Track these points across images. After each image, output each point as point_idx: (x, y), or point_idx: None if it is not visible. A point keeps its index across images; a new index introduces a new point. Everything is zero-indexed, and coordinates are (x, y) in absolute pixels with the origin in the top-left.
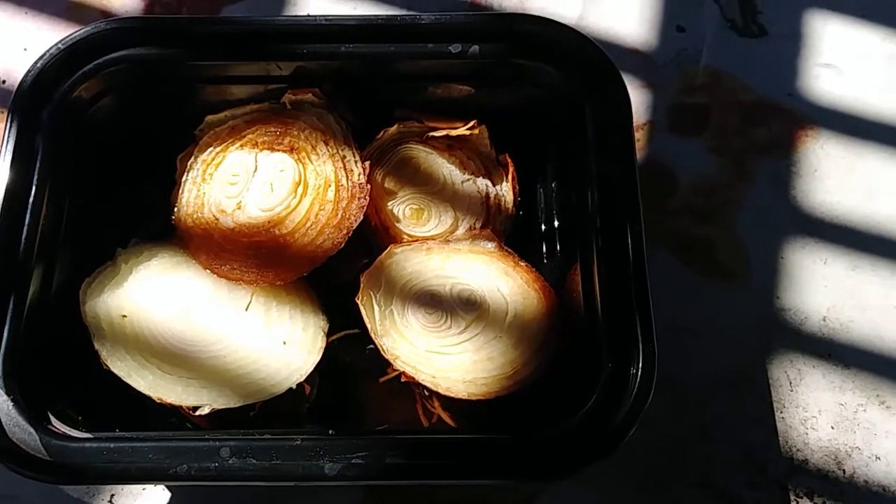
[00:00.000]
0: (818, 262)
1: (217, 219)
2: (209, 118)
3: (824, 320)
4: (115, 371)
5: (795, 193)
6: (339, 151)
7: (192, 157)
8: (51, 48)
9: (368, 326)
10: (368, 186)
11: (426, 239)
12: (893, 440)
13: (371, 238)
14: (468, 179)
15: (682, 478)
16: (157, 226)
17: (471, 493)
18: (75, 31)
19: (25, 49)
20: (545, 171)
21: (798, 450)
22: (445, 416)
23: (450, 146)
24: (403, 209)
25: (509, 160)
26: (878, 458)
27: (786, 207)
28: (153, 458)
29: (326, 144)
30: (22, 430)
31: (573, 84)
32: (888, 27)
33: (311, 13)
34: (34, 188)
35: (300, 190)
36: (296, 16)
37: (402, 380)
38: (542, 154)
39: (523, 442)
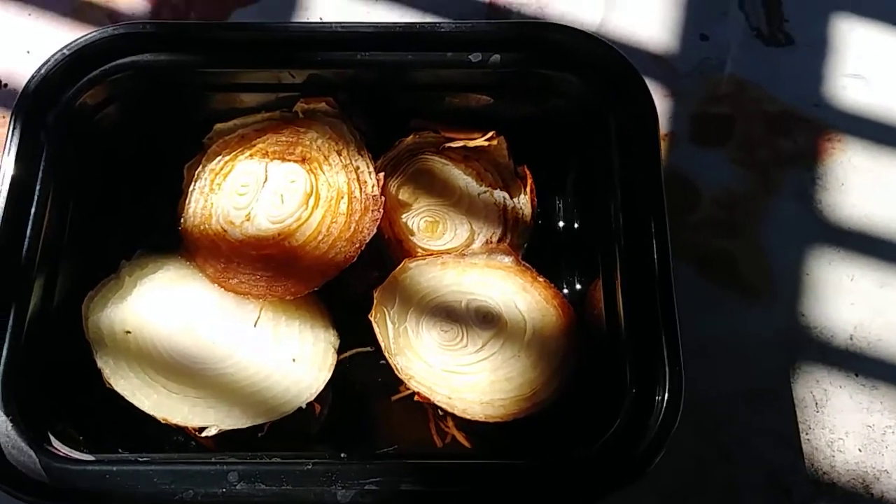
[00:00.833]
0: (845, 277)
1: (225, 230)
2: (218, 126)
3: (851, 339)
4: (118, 390)
5: (821, 207)
6: (353, 162)
7: (200, 166)
8: (56, 53)
9: (382, 345)
10: (382, 198)
11: (441, 253)
12: None
13: (384, 252)
14: (485, 191)
15: (702, 500)
16: (162, 237)
17: None
18: (81, 36)
19: (28, 52)
20: (564, 182)
21: (825, 473)
22: (460, 437)
23: (466, 157)
24: (418, 222)
25: (528, 172)
26: None
27: (811, 221)
28: (158, 482)
29: (339, 155)
30: (21, 453)
31: (596, 93)
32: None
33: (323, 17)
34: (36, 197)
35: (312, 201)
36: (309, 22)
37: (416, 399)
38: (561, 165)
39: (543, 468)
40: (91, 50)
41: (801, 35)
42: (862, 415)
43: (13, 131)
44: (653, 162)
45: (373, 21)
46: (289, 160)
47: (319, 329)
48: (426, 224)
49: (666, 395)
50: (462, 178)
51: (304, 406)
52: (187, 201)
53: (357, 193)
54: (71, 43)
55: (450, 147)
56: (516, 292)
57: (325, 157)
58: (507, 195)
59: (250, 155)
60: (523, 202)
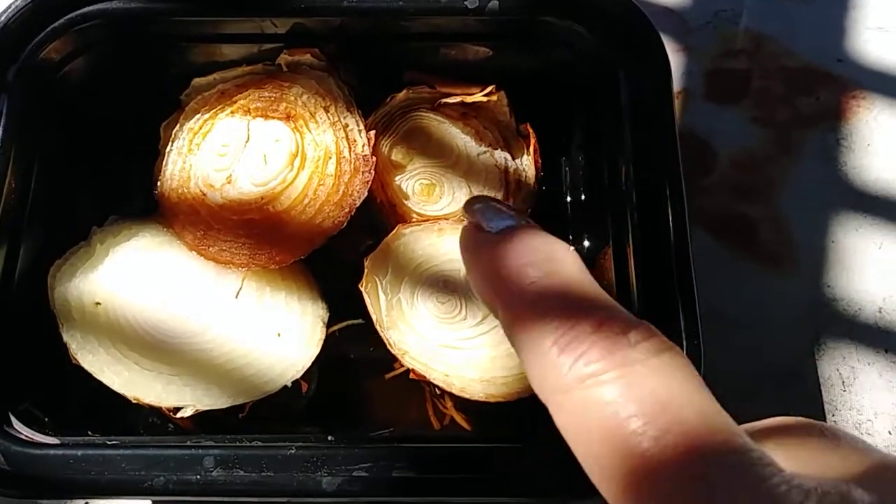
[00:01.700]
0: (872, 245)
1: (204, 194)
2: (196, 81)
3: (880, 311)
4: (86, 366)
5: (846, 169)
6: (341, 119)
7: (178, 125)
8: (15, 0)
9: (373, 317)
10: (373, 159)
11: (438, 218)
12: None
13: (376, 217)
14: (485, 152)
15: None
16: (137, 202)
17: None
18: None
19: None
20: (571, 142)
21: None
22: (459, 418)
23: (464, 114)
24: (413, 184)
25: (531, 130)
26: None
27: (836, 185)
28: (126, 468)
29: (327, 111)
30: None
31: (605, 45)
32: None
33: None
34: None
35: (297, 162)
36: None
37: (411, 377)
38: (567, 124)
39: (548, 451)
40: None
41: None
42: (892, 394)
43: None
44: (667, 119)
45: None
46: (272, 118)
47: (307, 301)
48: (421, 187)
49: None
50: (460, 136)
51: (289, 385)
52: (164, 163)
53: (346, 153)
54: None
55: (446, 103)
56: None
57: (311, 113)
58: (508, 156)
59: (231, 112)
60: (526, 163)
